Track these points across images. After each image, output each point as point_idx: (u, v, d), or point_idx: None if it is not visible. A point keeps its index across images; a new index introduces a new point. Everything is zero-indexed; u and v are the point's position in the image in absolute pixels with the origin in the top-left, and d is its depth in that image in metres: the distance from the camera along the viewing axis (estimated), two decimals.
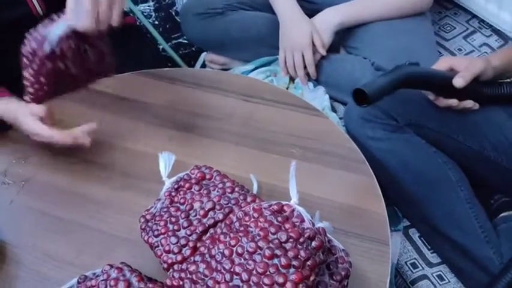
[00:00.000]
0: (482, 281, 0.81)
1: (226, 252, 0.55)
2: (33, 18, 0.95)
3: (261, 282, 0.52)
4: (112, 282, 0.62)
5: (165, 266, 0.64)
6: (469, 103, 0.88)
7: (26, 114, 0.81)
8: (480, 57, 0.97)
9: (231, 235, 0.56)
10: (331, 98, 1.20)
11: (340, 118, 1.12)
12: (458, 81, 0.83)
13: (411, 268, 0.89)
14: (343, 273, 0.57)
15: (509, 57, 0.89)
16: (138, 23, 1.60)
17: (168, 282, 0.59)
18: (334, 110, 1.17)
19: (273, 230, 0.54)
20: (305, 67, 1.21)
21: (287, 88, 1.22)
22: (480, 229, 0.85)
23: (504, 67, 0.88)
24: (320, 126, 0.90)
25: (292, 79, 1.25)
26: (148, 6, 1.81)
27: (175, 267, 0.62)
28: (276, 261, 0.52)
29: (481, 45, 1.28)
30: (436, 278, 0.87)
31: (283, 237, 0.53)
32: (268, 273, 0.52)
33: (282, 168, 0.81)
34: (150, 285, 0.61)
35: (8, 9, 0.92)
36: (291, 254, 0.52)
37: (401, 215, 0.95)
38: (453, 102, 0.87)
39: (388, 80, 0.79)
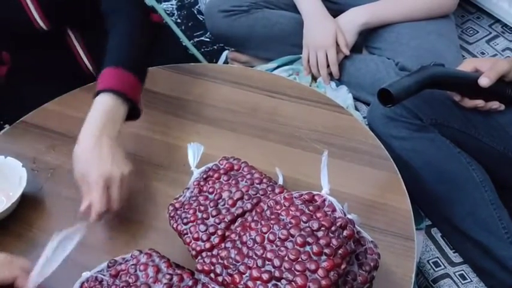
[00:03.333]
0: (506, 281, 0.81)
1: (258, 238, 0.56)
2: (36, 34, 0.94)
3: (292, 269, 0.53)
4: (141, 267, 0.63)
5: (194, 253, 0.65)
6: (495, 104, 0.88)
7: None
8: (505, 59, 0.97)
9: (263, 222, 0.57)
10: (353, 97, 1.20)
11: (364, 117, 1.13)
12: (484, 81, 0.83)
13: (433, 267, 0.89)
14: (372, 264, 0.58)
15: None
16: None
17: (199, 266, 0.60)
18: (356, 109, 1.18)
19: (304, 218, 0.55)
20: (328, 66, 1.22)
21: (309, 87, 1.23)
22: (503, 230, 0.85)
23: None
24: (344, 122, 0.90)
25: (314, 78, 1.26)
26: (171, 4, 1.84)
27: (204, 254, 0.63)
28: (307, 248, 0.53)
29: (504, 50, 1.28)
30: (459, 277, 0.87)
31: (315, 225, 0.54)
32: (300, 259, 0.53)
33: (306, 163, 0.83)
34: (179, 271, 0.63)
35: (10, 24, 0.90)
36: (322, 241, 0.53)
37: (423, 214, 0.95)
38: (479, 102, 0.87)
39: (414, 80, 0.80)
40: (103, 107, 0.75)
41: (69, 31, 1.00)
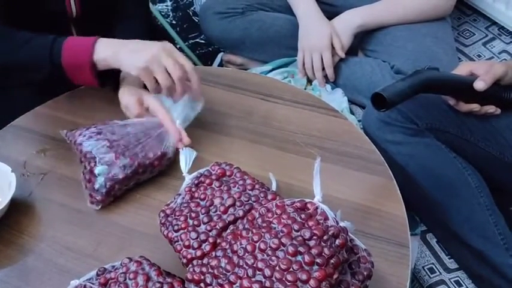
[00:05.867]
0: (502, 287, 0.80)
1: (249, 247, 0.55)
2: (65, 17, 0.97)
3: (283, 279, 0.51)
4: (131, 276, 0.62)
5: (185, 261, 0.64)
6: (490, 108, 0.87)
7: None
8: (501, 62, 0.96)
9: (254, 231, 0.56)
10: (348, 100, 1.19)
11: (359, 121, 1.12)
12: (479, 84, 0.82)
13: (428, 273, 0.88)
14: (365, 273, 0.57)
15: None
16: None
17: (189, 276, 0.58)
18: (352, 112, 1.17)
19: (296, 227, 0.54)
20: (323, 69, 1.21)
21: (304, 89, 1.22)
22: (499, 236, 0.84)
23: None
24: (339, 127, 0.89)
25: (309, 81, 1.25)
26: (166, 5, 1.83)
27: (195, 262, 0.62)
28: (299, 258, 0.52)
29: (501, 52, 1.27)
30: (454, 283, 0.87)
31: (306, 234, 0.53)
32: (291, 269, 0.52)
33: (300, 168, 0.82)
34: (169, 280, 0.61)
35: (44, 2, 0.93)
36: (314, 251, 0.52)
37: (418, 219, 0.95)
38: (475, 106, 0.87)
39: (408, 84, 0.79)
40: None
41: (73, 29, 1.00)
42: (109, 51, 0.82)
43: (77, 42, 0.84)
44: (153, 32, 1.14)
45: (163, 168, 0.82)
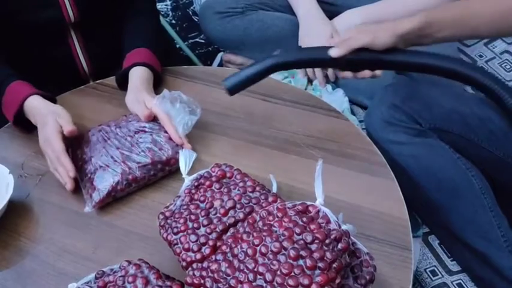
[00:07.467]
0: None
1: (250, 251, 0.54)
2: (63, 23, 0.96)
3: (285, 283, 0.51)
4: (130, 279, 0.61)
5: (184, 264, 0.63)
6: (366, 73, 0.88)
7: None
8: (364, 29, 0.87)
9: (255, 234, 0.55)
10: (349, 101, 1.18)
11: (360, 121, 1.11)
12: (334, 52, 0.80)
13: (430, 275, 0.88)
14: (367, 277, 0.56)
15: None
16: None
17: (189, 280, 0.58)
18: (353, 113, 1.16)
19: (297, 230, 0.53)
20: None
21: (305, 90, 1.21)
22: (503, 238, 0.84)
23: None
24: (340, 127, 0.88)
25: (310, 81, 1.24)
26: (166, 5, 1.82)
27: (195, 265, 0.61)
28: (301, 262, 0.51)
29: (502, 53, 1.27)
30: (456, 286, 0.86)
31: (308, 238, 0.52)
32: (293, 274, 0.51)
33: (301, 170, 0.81)
34: (168, 283, 0.61)
35: (40, 10, 0.93)
36: (316, 255, 0.51)
37: (420, 221, 0.94)
38: (347, 74, 0.89)
39: (252, 71, 0.81)
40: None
41: (71, 32, 0.99)
42: (32, 120, 0.87)
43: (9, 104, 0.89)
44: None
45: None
